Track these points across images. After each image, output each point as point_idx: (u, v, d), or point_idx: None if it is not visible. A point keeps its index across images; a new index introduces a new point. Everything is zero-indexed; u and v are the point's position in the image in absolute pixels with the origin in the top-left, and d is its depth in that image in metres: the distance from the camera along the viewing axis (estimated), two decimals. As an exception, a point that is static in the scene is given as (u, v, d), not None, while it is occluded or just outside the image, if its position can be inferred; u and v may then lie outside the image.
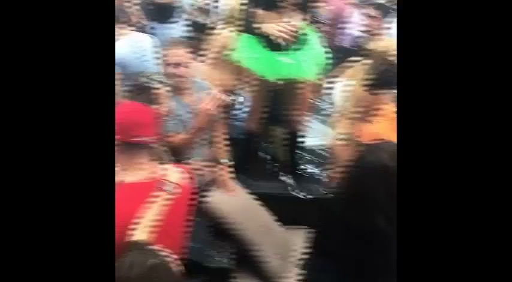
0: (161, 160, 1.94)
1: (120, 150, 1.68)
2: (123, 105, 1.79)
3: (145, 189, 1.72)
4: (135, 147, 1.74)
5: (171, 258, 1.48)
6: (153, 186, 1.73)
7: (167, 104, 2.31)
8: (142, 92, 2.19)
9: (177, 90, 2.52)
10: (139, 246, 1.53)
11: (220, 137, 2.76)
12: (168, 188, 1.74)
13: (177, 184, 1.77)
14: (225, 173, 2.78)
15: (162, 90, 2.28)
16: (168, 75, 2.49)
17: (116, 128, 1.59)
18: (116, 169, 1.66)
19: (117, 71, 3.44)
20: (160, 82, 2.30)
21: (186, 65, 2.59)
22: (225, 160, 2.77)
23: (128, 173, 1.73)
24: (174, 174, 1.81)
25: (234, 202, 2.79)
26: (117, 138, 1.64)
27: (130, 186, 1.72)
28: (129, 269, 1.37)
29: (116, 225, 1.55)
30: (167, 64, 2.58)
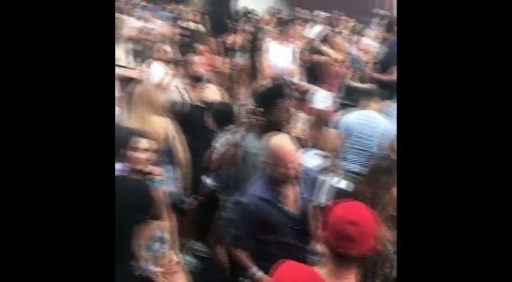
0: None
1: (328, 254, 1.50)
2: (343, 209, 1.50)
3: None
4: (343, 257, 1.47)
5: None
6: None
7: None
8: (382, 173, 2.20)
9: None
10: None
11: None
12: None
13: None
14: None
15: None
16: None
17: (330, 234, 1.47)
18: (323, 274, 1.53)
19: (341, 132, 3.62)
20: None
21: None
22: None
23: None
24: None
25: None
26: (325, 240, 1.49)
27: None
28: None
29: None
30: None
